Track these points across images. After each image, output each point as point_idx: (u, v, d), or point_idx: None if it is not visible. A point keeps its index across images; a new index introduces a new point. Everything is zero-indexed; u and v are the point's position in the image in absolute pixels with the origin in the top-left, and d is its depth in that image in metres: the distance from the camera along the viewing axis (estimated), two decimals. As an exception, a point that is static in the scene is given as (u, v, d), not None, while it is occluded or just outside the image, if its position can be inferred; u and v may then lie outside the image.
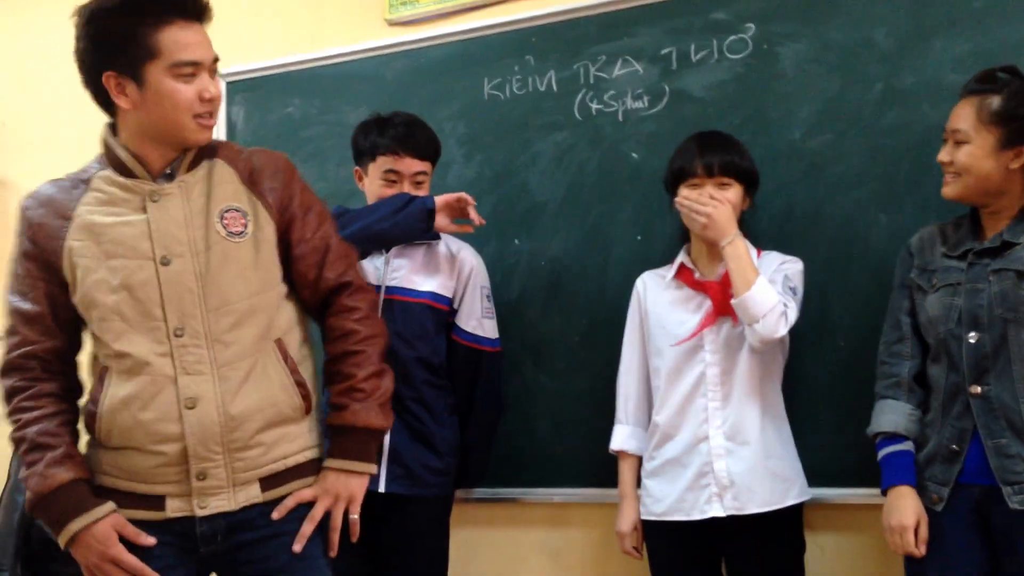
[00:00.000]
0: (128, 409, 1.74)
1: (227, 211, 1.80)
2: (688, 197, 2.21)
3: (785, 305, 2.13)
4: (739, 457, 2.17)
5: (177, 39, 1.72)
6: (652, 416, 2.33)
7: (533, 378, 2.69)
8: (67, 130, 3.42)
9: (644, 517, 2.30)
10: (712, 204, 2.17)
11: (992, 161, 1.96)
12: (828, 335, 2.38)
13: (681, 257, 2.32)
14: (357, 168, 2.58)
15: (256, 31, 3.21)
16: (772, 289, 2.13)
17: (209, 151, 1.84)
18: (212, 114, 1.79)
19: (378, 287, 2.48)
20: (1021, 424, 1.89)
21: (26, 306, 1.78)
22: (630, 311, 2.42)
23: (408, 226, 2.39)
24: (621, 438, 2.38)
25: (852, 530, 2.40)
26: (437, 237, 2.53)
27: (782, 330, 2.12)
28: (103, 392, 1.76)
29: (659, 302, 2.33)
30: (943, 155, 2.02)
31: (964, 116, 1.98)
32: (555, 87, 2.74)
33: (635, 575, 2.44)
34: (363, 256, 2.46)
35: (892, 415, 2.07)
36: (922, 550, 1.97)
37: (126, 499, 1.76)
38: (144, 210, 1.77)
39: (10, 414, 1.79)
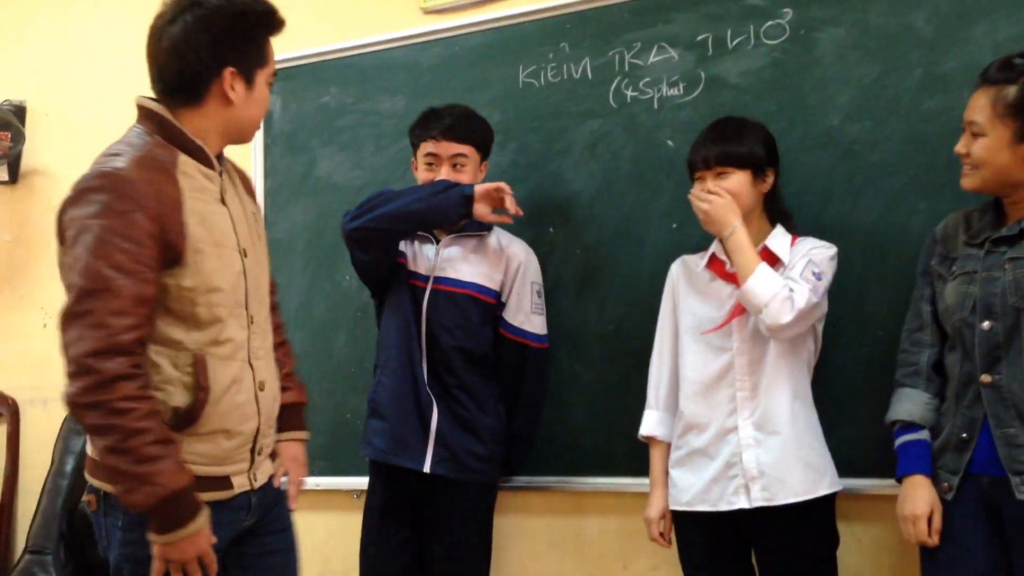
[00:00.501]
0: (229, 393, 1.82)
1: (253, 212, 1.99)
2: (692, 193, 2.22)
3: (791, 290, 2.09)
4: (768, 447, 2.16)
5: (272, 53, 1.92)
6: (679, 404, 2.32)
7: (568, 367, 2.69)
8: (102, 120, 3.48)
9: (671, 507, 2.29)
10: (708, 199, 2.16)
11: (1008, 154, 1.94)
12: (865, 324, 2.36)
13: (714, 247, 2.30)
14: (413, 159, 2.63)
15: (292, 21, 3.18)
16: (774, 277, 2.11)
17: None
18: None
19: (427, 276, 2.52)
20: None
21: (139, 286, 1.67)
22: (664, 295, 2.41)
23: (444, 209, 2.40)
24: (651, 423, 2.38)
25: (888, 521, 2.38)
26: (488, 228, 2.56)
27: (786, 316, 2.08)
28: (210, 379, 1.78)
29: (691, 290, 2.32)
30: (960, 146, 2.00)
31: (979, 108, 1.96)
32: (590, 74, 2.73)
33: (668, 564, 2.44)
34: (401, 237, 2.48)
35: (909, 404, 2.07)
36: (935, 540, 1.97)
37: (201, 483, 1.77)
38: (223, 202, 1.86)
39: (121, 400, 1.65)
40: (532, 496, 2.76)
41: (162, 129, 1.81)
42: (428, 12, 3.01)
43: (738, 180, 2.21)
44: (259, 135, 3.16)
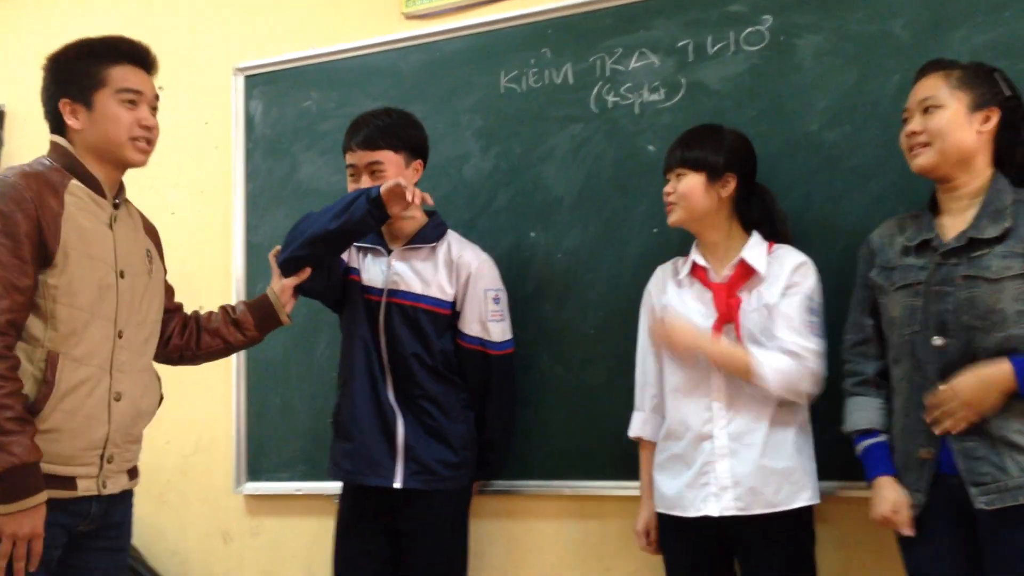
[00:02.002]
0: (77, 394, 1.95)
1: (147, 250, 2.20)
2: (651, 332, 2.30)
3: (801, 355, 2.14)
4: (743, 458, 2.16)
5: (124, 74, 2.08)
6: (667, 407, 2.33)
7: (549, 370, 2.70)
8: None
9: (656, 508, 2.31)
10: (662, 336, 2.20)
11: (965, 123, 1.98)
12: (844, 328, 2.37)
13: (693, 255, 2.32)
14: None
15: (274, 25, 3.23)
16: (776, 360, 2.13)
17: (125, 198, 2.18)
18: (150, 141, 2.12)
19: (381, 291, 2.50)
20: (987, 427, 1.89)
21: (14, 275, 1.89)
22: (642, 308, 2.43)
23: (359, 220, 2.33)
24: (638, 424, 2.40)
25: (865, 521, 2.38)
26: (439, 238, 2.53)
27: (808, 386, 2.17)
28: (56, 375, 1.92)
29: (673, 297, 2.33)
30: (914, 125, 2.03)
31: (931, 86, 2.02)
32: (571, 80, 2.74)
33: (650, 567, 2.45)
34: (332, 257, 2.49)
35: (865, 412, 2.11)
36: (910, 531, 1.99)
37: (44, 480, 1.90)
38: (111, 227, 2.07)
39: None
40: (512, 500, 2.76)
41: (63, 159, 2.05)
42: (410, 17, 3.01)
43: (690, 182, 2.25)
44: (240, 139, 3.17)
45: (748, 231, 2.31)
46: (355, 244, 2.54)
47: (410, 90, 2.91)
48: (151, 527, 3.26)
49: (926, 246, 2.02)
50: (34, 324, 1.94)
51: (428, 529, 2.47)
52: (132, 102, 2.07)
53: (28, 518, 1.84)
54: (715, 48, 2.58)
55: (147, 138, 2.10)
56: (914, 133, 2.03)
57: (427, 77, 2.92)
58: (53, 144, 2.09)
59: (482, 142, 2.83)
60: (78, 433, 1.96)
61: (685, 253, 2.39)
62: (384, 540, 2.50)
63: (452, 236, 2.59)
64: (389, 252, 2.55)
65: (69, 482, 1.95)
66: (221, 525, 3.19)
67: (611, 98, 2.69)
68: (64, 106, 2.05)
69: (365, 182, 2.47)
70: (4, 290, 1.88)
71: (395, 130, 2.52)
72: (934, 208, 2.07)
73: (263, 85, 3.17)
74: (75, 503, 1.97)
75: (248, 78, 3.18)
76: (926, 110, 2.01)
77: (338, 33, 3.09)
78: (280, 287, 2.44)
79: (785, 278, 2.22)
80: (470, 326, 2.53)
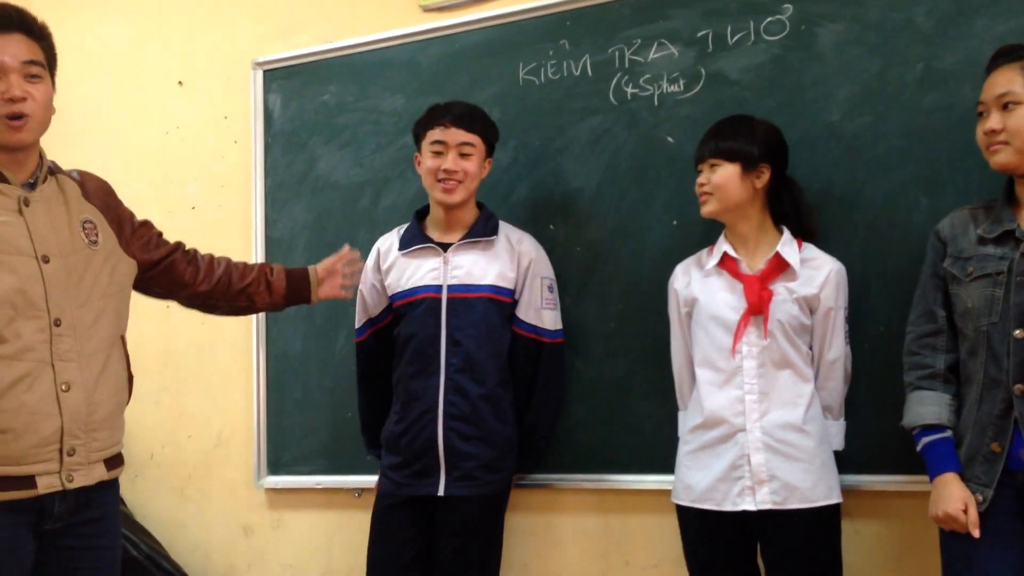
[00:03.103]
0: (13, 392, 1.86)
1: (85, 222, 2.01)
2: None
3: (846, 365, 2.26)
4: (779, 452, 2.15)
5: None
6: (692, 398, 2.32)
7: (569, 364, 2.68)
8: (111, 120, 3.48)
9: (675, 501, 2.29)
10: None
11: None
12: (866, 320, 2.35)
13: (724, 245, 2.30)
14: (416, 154, 2.61)
15: (292, 19, 3.23)
16: (839, 391, 2.27)
17: (52, 168, 2.03)
18: (21, 115, 1.89)
19: (439, 287, 2.51)
20: None
21: None
22: (669, 303, 2.42)
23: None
24: (683, 425, 2.38)
25: (890, 517, 2.38)
26: (494, 231, 2.56)
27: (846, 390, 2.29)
28: None
29: (701, 290, 2.31)
30: (993, 123, 1.96)
31: (1009, 80, 1.94)
32: (590, 71, 2.72)
33: (671, 561, 2.44)
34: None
35: (932, 406, 2.03)
36: (976, 531, 1.91)
37: None
38: (20, 213, 1.92)
39: None
40: (533, 494, 2.75)
41: None
42: (428, 10, 3.00)
43: (725, 173, 2.24)
44: (259, 134, 3.17)
45: (777, 223, 2.30)
46: (400, 254, 2.60)
47: (428, 83, 2.91)
48: (173, 521, 3.29)
49: (1008, 237, 1.96)
50: None
51: (466, 529, 2.47)
52: None
53: None
54: (735, 38, 2.56)
55: (14, 113, 1.88)
56: (993, 131, 1.96)
57: (445, 70, 2.91)
58: None
59: (500, 134, 2.81)
60: (26, 431, 1.86)
61: (705, 245, 2.37)
62: (421, 527, 2.50)
63: (506, 226, 2.61)
64: (443, 249, 2.55)
65: (27, 481, 1.87)
66: (242, 518, 3.21)
67: (630, 89, 2.67)
68: None
69: (452, 162, 2.50)
70: None
71: (487, 122, 2.58)
72: (1010, 199, 2.02)
73: (282, 79, 3.18)
74: (36, 502, 1.89)
75: (267, 72, 3.19)
76: (1005, 106, 1.94)
77: (356, 27, 3.08)
78: (324, 267, 2.44)
79: (821, 284, 2.21)
80: (527, 313, 2.55)
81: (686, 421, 2.34)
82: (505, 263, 2.54)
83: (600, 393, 2.66)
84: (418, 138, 2.60)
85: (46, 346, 1.90)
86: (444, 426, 2.46)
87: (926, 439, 2.02)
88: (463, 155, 2.51)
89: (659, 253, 2.58)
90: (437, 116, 2.54)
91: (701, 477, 2.22)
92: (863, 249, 2.37)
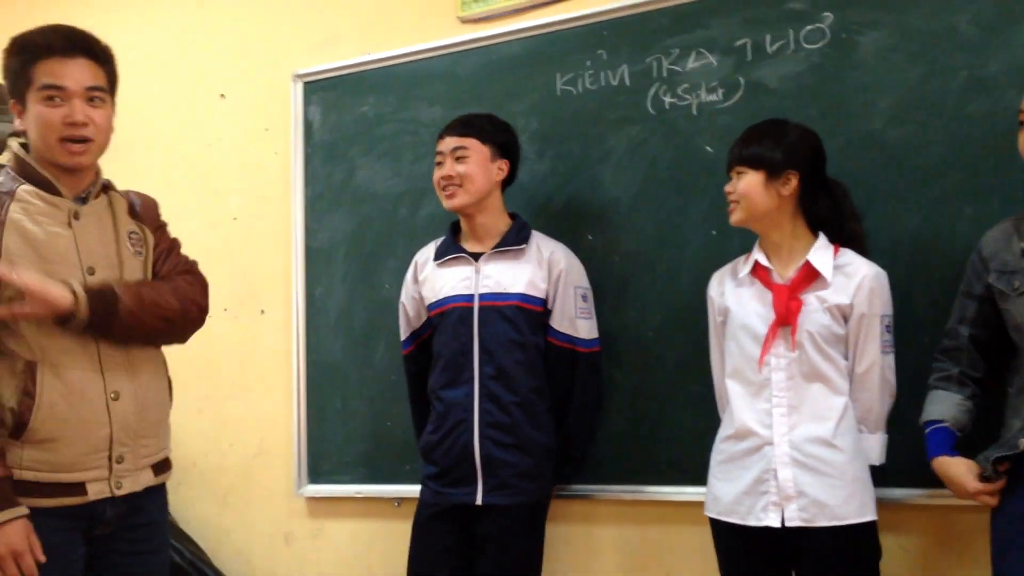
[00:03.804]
0: (67, 400, 1.90)
1: (131, 233, 2.08)
2: None
3: (886, 376, 2.19)
4: (807, 467, 2.11)
5: (47, 69, 1.93)
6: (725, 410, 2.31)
7: (607, 374, 2.68)
8: (155, 133, 3.53)
9: (707, 513, 2.27)
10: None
11: None
12: (910, 331, 2.31)
13: (757, 254, 2.27)
14: None
15: (331, 32, 3.26)
16: (881, 409, 2.20)
17: (106, 184, 2.09)
18: (85, 140, 1.96)
19: (471, 296, 2.52)
20: None
21: None
22: (710, 314, 2.39)
23: None
24: None
25: (934, 531, 2.35)
26: (525, 240, 2.56)
27: (889, 405, 2.21)
28: (38, 386, 1.88)
29: (735, 298, 2.29)
30: None
31: None
32: (628, 81, 2.72)
33: (709, 572, 2.42)
34: None
35: (941, 404, 2.09)
36: (991, 500, 1.97)
37: (48, 489, 1.90)
38: (69, 225, 1.97)
39: None
40: (574, 504, 2.75)
41: (16, 163, 1.99)
42: (465, 21, 3.02)
43: (749, 181, 2.20)
44: (300, 145, 3.20)
45: (815, 230, 2.26)
46: (435, 265, 2.61)
47: (466, 94, 2.92)
48: (216, 528, 3.33)
49: None
50: (9, 338, 1.89)
51: (506, 539, 2.47)
52: (54, 98, 1.93)
53: (4, 536, 1.81)
54: (774, 47, 2.54)
55: (76, 136, 1.95)
56: None
57: (483, 80, 2.92)
58: (8, 147, 2.04)
59: (538, 145, 2.82)
60: (77, 439, 1.91)
61: (743, 254, 2.36)
62: (461, 537, 2.50)
63: (538, 236, 2.61)
64: (474, 258, 2.56)
65: (78, 488, 1.92)
66: (283, 526, 3.24)
67: (668, 99, 2.66)
68: (14, 107, 1.99)
69: (448, 168, 2.53)
70: None
71: (485, 123, 2.59)
72: None
73: (321, 91, 3.20)
74: (87, 508, 1.94)
75: (307, 84, 3.22)
76: None
77: (394, 38, 3.10)
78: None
79: (854, 291, 2.16)
80: (560, 323, 2.55)
81: (719, 431, 2.31)
82: (535, 272, 2.53)
83: (639, 403, 2.65)
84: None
85: (95, 356, 1.95)
86: (480, 434, 2.46)
87: (927, 430, 2.10)
88: (458, 159, 2.53)
89: (698, 262, 2.56)
90: (440, 133, 2.61)
91: (728, 489, 2.20)
92: (907, 259, 2.34)
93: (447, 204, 2.56)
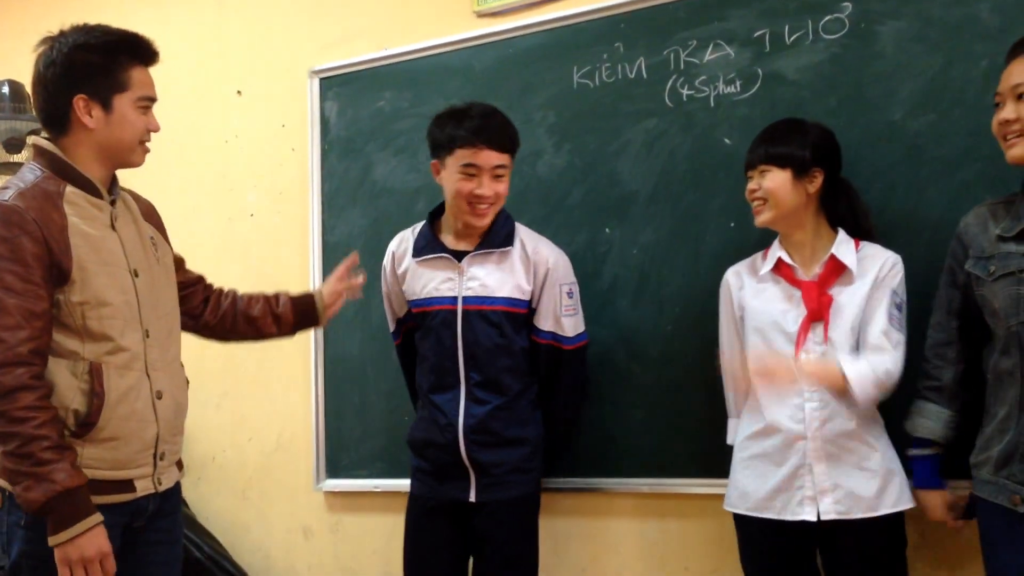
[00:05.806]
0: (127, 400, 1.97)
1: (151, 237, 2.14)
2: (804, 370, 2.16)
3: (885, 353, 2.12)
4: (841, 460, 2.12)
5: (142, 79, 2.04)
6: (748, 404, 2.29)
7: (625, 367, 2.67)
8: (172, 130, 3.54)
9: (730, 509, 2.26)
10: (806, 373, 2.14)
11: None
12: (929, 321, 2.30)
13: (778, 252, 2.26)
14: (434, 161, 2.51)
15: (347, 27, 3.26)
16: (864, 372, 2.09)
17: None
18: (148, 143, 2.08)
19: (454, 299, 2.48)
20: None
21: (29, 302, 1.85)
22: (721, 305, 2.38)
23: None
24: (732, 432, 2.36)
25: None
26: (511, 242, 2.50)
27: (873, 392, 2.10)
28: (105, 386, 1.93)
29: (756, 295, 2.28)
30: (1008, 113, 1.93)
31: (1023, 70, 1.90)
32: (645, 74, 2.71)
33: (729, 568, 2.41)
34: None
35: (930, 421, 2.10)
36: (957, 524, 2.12)
37: (103, 487, 1.94)
38: (113, 227, 2.02)
39: (21, 409, 1.82)
40: (591, 498, 2.74)
41: (52, 164, 1.98)
42: (481, 15, 3.01)
43: (776, 179, 2.20)
44: (316, 141, 3.20)
45: (833, 227, 2.26)
46: (415, 261, 2.55)
47: (483, 88, 2.91)
48: (235, 523, 3.34)
49: None
50: (69, 340, 1.92)
51: (502, 533, 2.46)
52: (147, 108, 2.05)
53: (88, 541, 1.85)
54: (793, 37, 2.53)
55: (149, 141, 2.09)
56: (1008, 121, 1.93)
57: (500, 74, 2.92)
58: (38, 149, 2.01)
59: (555, 138, 2.81)
60: (133, 437, 1.98)
61: (761, 248, 2.34)
62: (457, 530, 2.50)
63: (523, 232, 2.55)
64: (457, 259, 2.50)
65: (127, 485, 1.99)
66: (302, 521, 3.25)
67: (686, 91, 2.65)
68: (79, 102, 1.96)
69: (486, 186, 2.40)
70: (23, 319, 1.84)
71: (515, 131, 2.48)
72: None
73: (338, 87, 3.21)
74: (133, 504, 2.00)
75: (323, 80, 3.22)
76: (1020, 96, 1.91)
77: (410, 33, 3.11)
78: (330, 291, 2.45)
79: (874, 275, 2.16)
80: (544, 322, 2.51)
81: (742, 427, 2.30)
82: (520, 274, 2.48)
83: (657, 397, 2.64)
84: (439, 145, 2.47)
85: (143, 357, 2.02)
86: (466, 439, 2.44)
87: (915, 451, 2.13)
88: (496, 177, 2.42)
89: (716, 256, 2.55)
90: (468, 134, 2.39)
91: (758, 485, 2.19)
92: (927, 250, 2.32)
93: (475, 222, 2.45)
